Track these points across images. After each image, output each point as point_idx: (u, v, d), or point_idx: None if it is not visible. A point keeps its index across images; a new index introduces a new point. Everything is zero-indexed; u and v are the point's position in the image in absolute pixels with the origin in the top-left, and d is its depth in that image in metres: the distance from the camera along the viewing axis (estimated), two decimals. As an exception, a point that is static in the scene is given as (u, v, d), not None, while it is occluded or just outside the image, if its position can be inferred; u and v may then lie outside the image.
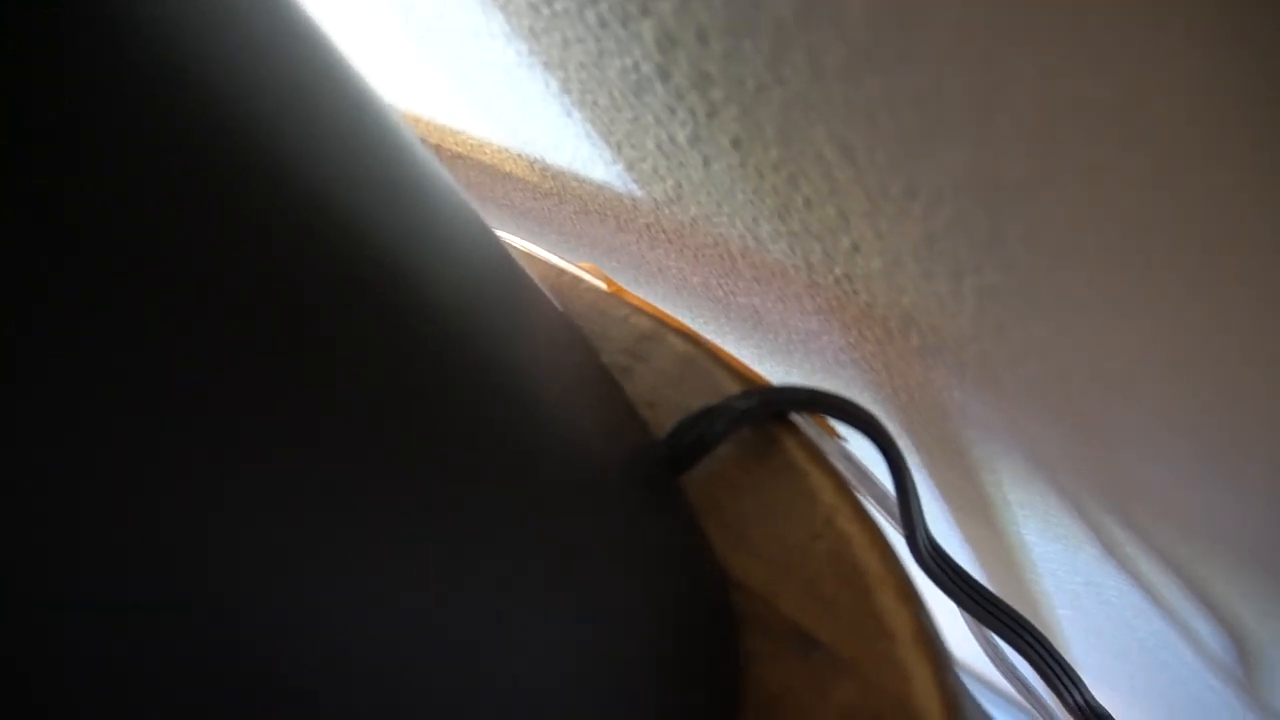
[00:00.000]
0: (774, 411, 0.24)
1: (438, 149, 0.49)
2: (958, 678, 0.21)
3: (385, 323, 0.17)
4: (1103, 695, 0.56)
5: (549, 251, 0.36)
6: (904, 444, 0.38)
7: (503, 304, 0.23)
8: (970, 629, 0.36)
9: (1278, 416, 0.19)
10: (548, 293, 0.30)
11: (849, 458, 0.27)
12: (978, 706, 0.27)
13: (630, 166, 0.32)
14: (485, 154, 0.44)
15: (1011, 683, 0.37)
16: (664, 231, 0.35)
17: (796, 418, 0.25)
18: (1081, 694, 0.29)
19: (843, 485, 0.22)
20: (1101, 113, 0.14)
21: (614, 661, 0.20)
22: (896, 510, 0.27)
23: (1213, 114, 0.13)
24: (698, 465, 0.23)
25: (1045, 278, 0.19)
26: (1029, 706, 0.39)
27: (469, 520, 0.18)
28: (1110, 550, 0.33)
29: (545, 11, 0.25)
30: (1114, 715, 0.29)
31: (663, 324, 0.28)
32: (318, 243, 0.14)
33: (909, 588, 0.20)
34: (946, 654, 0.21)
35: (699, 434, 0.23)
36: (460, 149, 0.47)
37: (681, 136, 0.26)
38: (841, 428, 0.27)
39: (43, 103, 0.10)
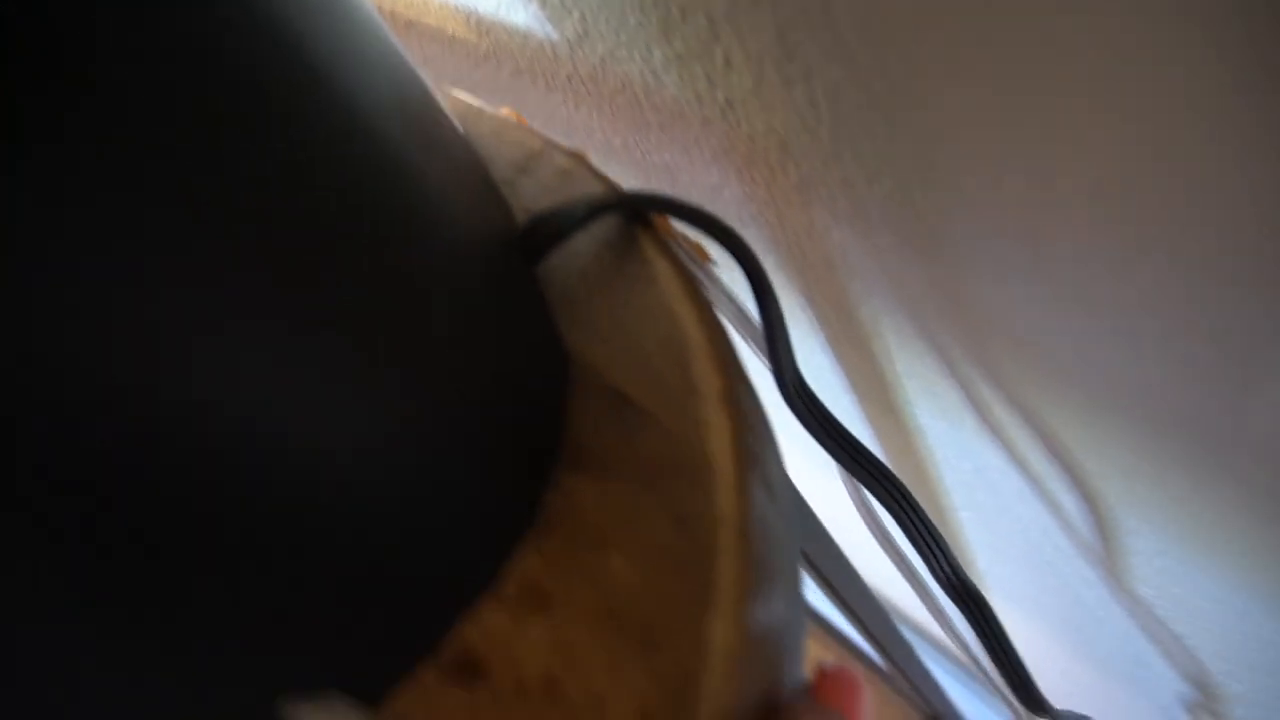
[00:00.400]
0: (631, 210, 0.25)
1: (392, 16, 0.50)
2: (771, 452, 0.22)
3: (293, 101, 0.18)
4: (1007, 613, 0.58)
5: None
6: (808, 315, 0.39)
7: (399, 106, 0.24)
8: (845, 487, 0.37)
9: (1100, 222, 0.20)
10: (453, 119, 0.30)
11: (716, 281, 0.28)
12: (792, 491, 0.28)
13: (543, 4, 0.32)
14: (430, 16, 0.45)
15: (883, 547, 0.38)
16: (583, 83, 0.36)
17: (667, 238, 0.26)
18: (949, 562, 0.30)
19: (685, 273, 0.23)
20: None
21: (451, 408, 0.21)
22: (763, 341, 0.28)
23: None
24: (554, 255, 0.24)
25: (877, 69, 0.20)
26: (905, 578, 0.40)
27: (333, 276, 0.19)
28: (984, 415, 0.34)
29: None
30: (1012, 629, 0.30)
31: (552, 145, 0.29)
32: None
33: (728, 359, 0.21)
34: (754, 418, 0.22)
35: (557, 224, 0.24)
36: (410, 14, 0.47)
37: (575, -50, 0.27)
38: (716, 252, 0.27)
39: None
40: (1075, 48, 0.16)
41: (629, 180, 0.42)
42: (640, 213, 0.25)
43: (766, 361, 0.28)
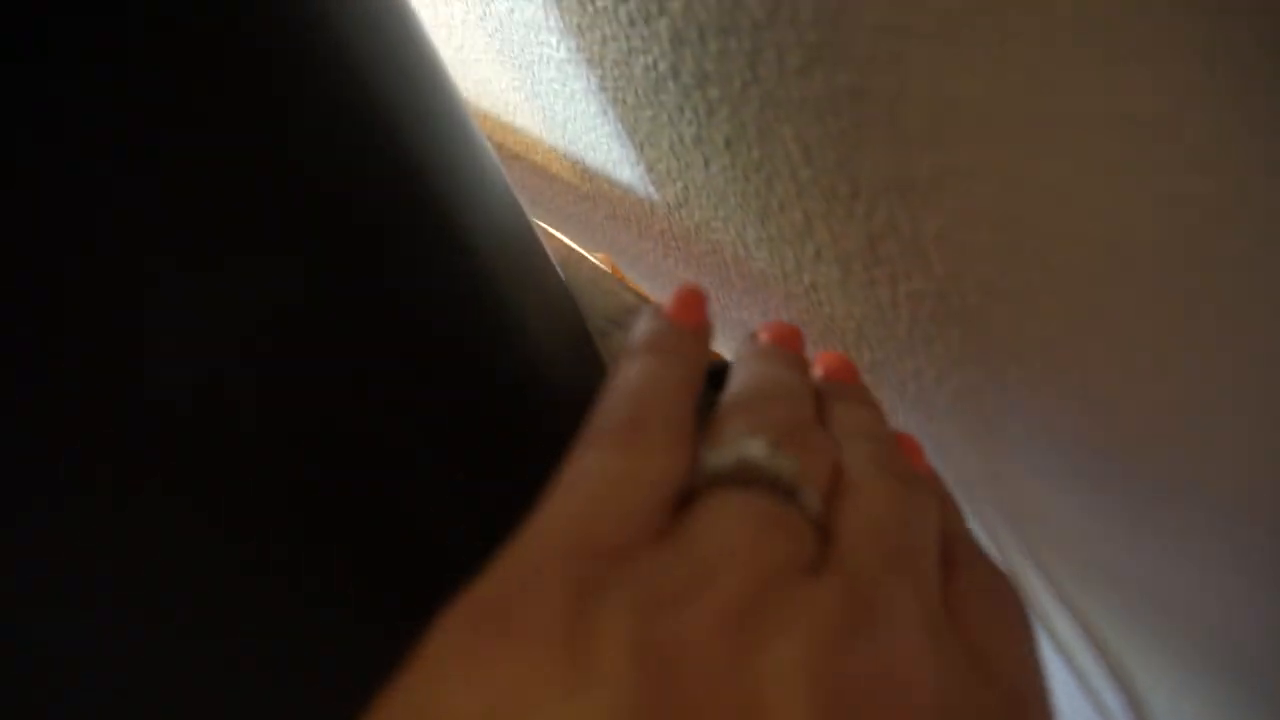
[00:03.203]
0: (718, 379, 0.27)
1: (500, 147, 0.54)
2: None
3: (421, 234, 0.21)
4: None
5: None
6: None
7: (511, 252, 0.26)
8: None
9: (1152, 440, 0.22)
10: (555, 263, 0.33)
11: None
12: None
13: (650, 168, 0.35)
14: (538, 154, 0.48)
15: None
16: (675, 239, 0.39)
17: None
18: None
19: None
20: (976, 115, 0.17)
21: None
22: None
23: (1055, 115, 0.16)
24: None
25: (954, 284, 0.22)
26: None
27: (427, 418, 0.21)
28: (1027, 601, 0.34)
29: (589, 8, 0.29)
30: None
31: (645, 300, 0.32)
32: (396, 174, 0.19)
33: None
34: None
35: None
36: (519, 148, 0.51)
37: (688, 136, 0.30)
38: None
39: None
40: (1140, 302, 0.18)
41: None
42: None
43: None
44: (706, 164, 0.30)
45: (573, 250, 0.37)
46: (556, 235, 0.40)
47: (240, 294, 0.16)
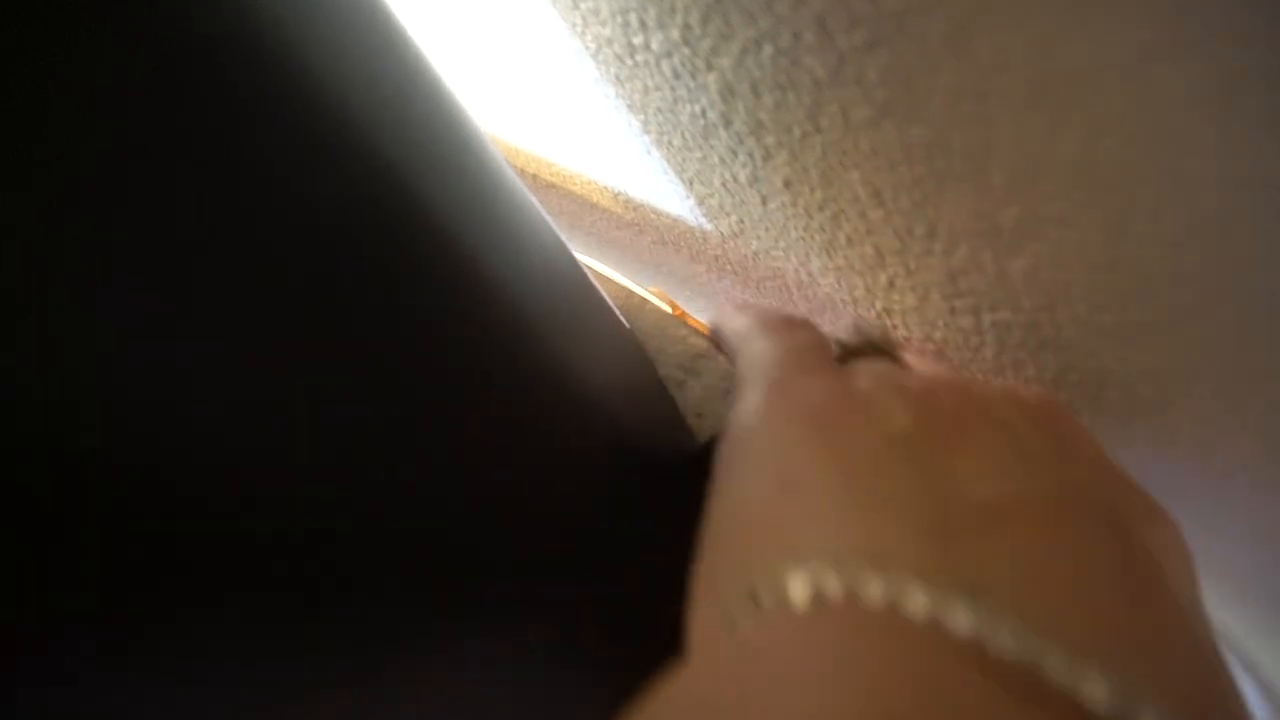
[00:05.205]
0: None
1: (534, 178, 0.54)
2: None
3: (468, 320, 0.20)
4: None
5: (627, 278, 0.40)
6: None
7: (574, 317, 0.26)
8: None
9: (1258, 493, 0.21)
10: (617, 311, 0.33)
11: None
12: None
13: (700, 201, 0.35)
14: (575, 185, 0.48)
15: None
16: (730, 263, 0.38)
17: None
18: None
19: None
20: (1068, 170, 0.16)
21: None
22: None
23: (1153, 172, 0.15)
24: (731, 467, 0.26)
25: (1046, 316, 0.22)
26: None
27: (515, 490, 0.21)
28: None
29: (629, 62, 0.28)
30: None
31: (715, 345, 0.31)
32: (429, 259, 0.18)
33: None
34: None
35: (734, 439, 0.26)
36: (554, 179, 0.51)
37: (743, 176, 0.29)
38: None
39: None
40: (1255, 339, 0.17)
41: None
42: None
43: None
44: (764, 201, 0.29)
45: (632, 293, 0.36)
46: (611, 275, 0.39)
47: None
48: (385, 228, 0.17)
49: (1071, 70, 0.14)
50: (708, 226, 0.36)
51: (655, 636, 0.22)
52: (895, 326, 0.30)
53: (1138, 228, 0.16)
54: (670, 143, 0.32)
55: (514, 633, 0.21)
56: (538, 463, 0.23)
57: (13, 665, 0.12)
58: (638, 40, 0.26)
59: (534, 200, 0.27)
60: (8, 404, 0.11)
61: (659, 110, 0.30)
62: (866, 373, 0.20)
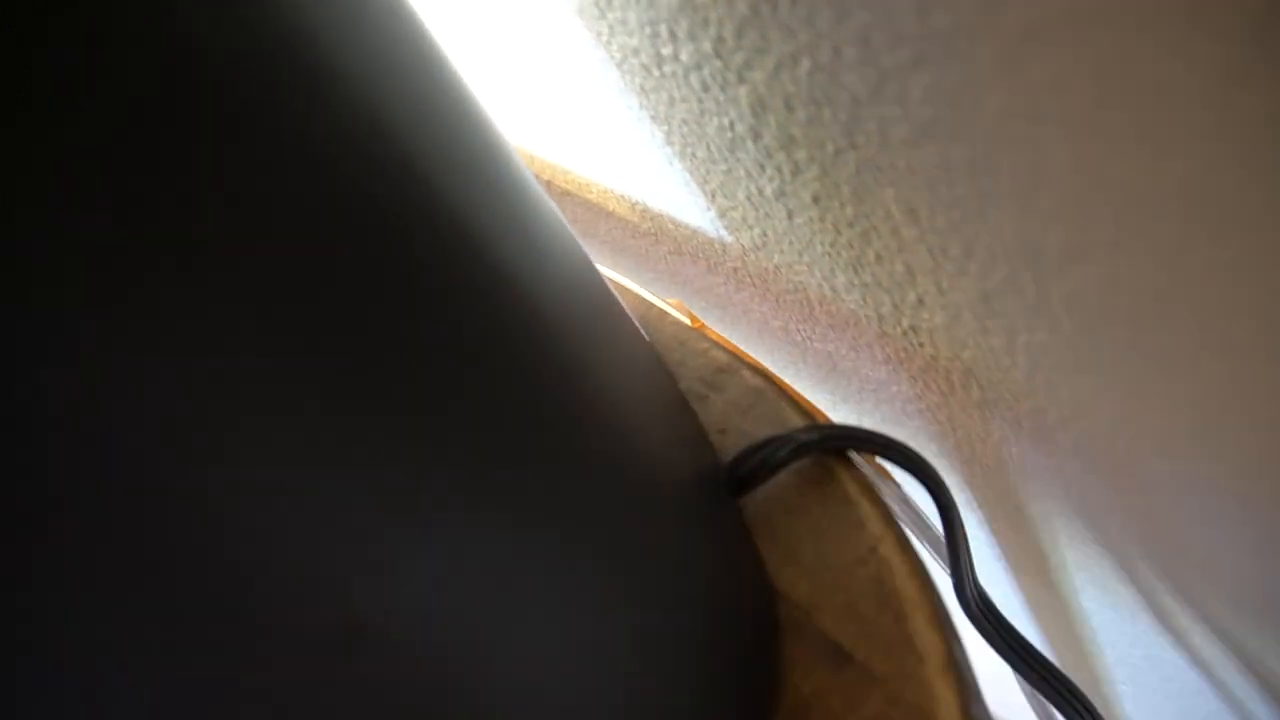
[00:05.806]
0: (833, 446, 0.26)
1: (549, 185, 0.53)
2: (986, 712, 0.22)
3: (496, 332, 0.20)
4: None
5: (642, 287, 0.39)
6: (966, 499, 0.39)
7: (595, 328, 0.26)
8: (1021, 689, 0.36)
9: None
10: (637, 323, 0.33)
11: (905, 501, 0.29)
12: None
13: (722, 214, 0.34)
14: (591, 193, 0.48)
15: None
16: (749, 276, 0.38)
17: (854, 456, 0.27)
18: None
19: (889, 518, 0.24)
20: (1124, 194, 0.16)
21: (661, 650, 0.22)
22: (946, 555, 0.29)
23: (1218, 197, 0.15)
24: (758, 488, 0.26)
25: (1087, 339, 0.21)
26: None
27: (540, 515, 0.21)
28: (1164, 621, 0.33)
29: (655, 73, 0.28)
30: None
31: (738, 359, 0.31)
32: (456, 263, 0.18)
33: (942, 616, 0.22)
34: (975, 685, 0.22)
35: (762, 459, 0.25)
36: (569, 186, 0.51)
37: (769, 190, 0.29)
38: (898, 474, 0.28)
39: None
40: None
41: (786, 363, 0.44)
42: (841, 448, 0.26)
43: (948, 572, 0.29)
44: (790, 215, 0.29)
45: (651, 305, 0.36)
46: (630, 286, 0.39)
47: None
48: (415, 235, 0.17)
49: (1138, 92, 0.14)
50: (728, 239, 0.36)
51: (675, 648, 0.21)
52: (921, 345, 0.29)
53: (1195, 255, 0.16)
54: (694, 155, 0.31)
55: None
56: (556, 479, 0.22)
57: None
58: (666, 51, 0.26)
59: (557, 209, 0.26)
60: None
61: (684, 122, 0.29)
62: None
